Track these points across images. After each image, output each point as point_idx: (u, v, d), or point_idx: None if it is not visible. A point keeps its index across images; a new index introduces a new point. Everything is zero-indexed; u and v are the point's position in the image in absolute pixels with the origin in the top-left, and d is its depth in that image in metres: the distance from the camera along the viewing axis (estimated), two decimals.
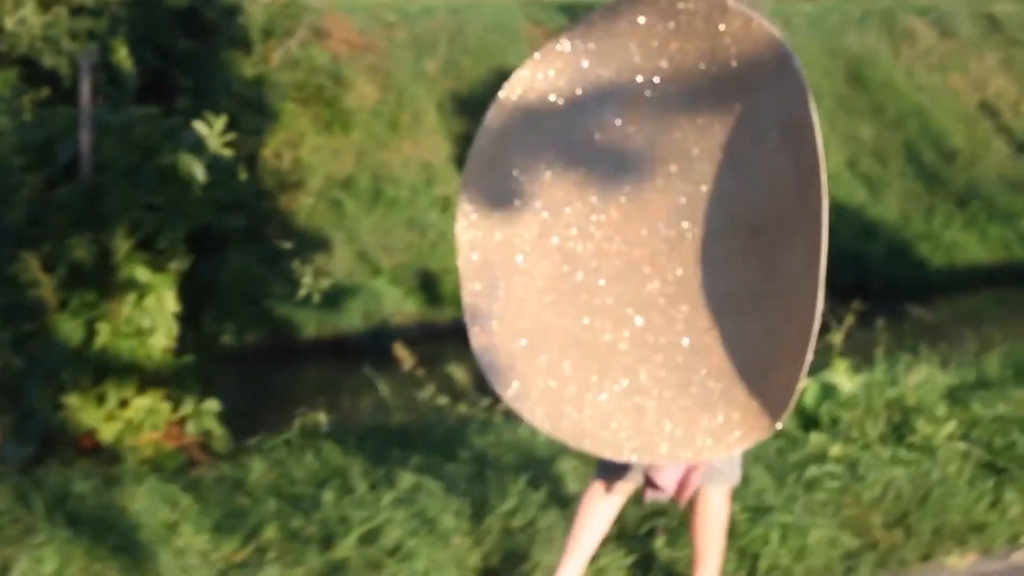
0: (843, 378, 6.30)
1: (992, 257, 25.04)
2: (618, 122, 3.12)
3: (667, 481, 3.70)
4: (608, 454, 3.05)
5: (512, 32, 26.88)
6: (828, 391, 6.20)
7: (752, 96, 2.94)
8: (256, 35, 21.07)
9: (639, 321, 3.05)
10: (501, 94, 3.23)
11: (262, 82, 21.63)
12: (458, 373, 8.13)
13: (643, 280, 3.07)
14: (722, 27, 2.96)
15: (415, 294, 21.84)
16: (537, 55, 3.24)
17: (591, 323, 3.09)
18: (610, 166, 3.15)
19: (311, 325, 20.65)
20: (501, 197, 3.21)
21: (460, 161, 23.64)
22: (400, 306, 21.49)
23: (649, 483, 3.78)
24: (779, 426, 2.88)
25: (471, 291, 3.20)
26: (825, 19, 29.35)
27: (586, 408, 3.05)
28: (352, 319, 20.84)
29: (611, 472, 3.84)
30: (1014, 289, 23.82)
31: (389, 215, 22.88)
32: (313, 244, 21.91)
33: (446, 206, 23.44)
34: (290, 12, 21.67)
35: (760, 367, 2.88)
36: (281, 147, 22.74)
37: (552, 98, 3.20)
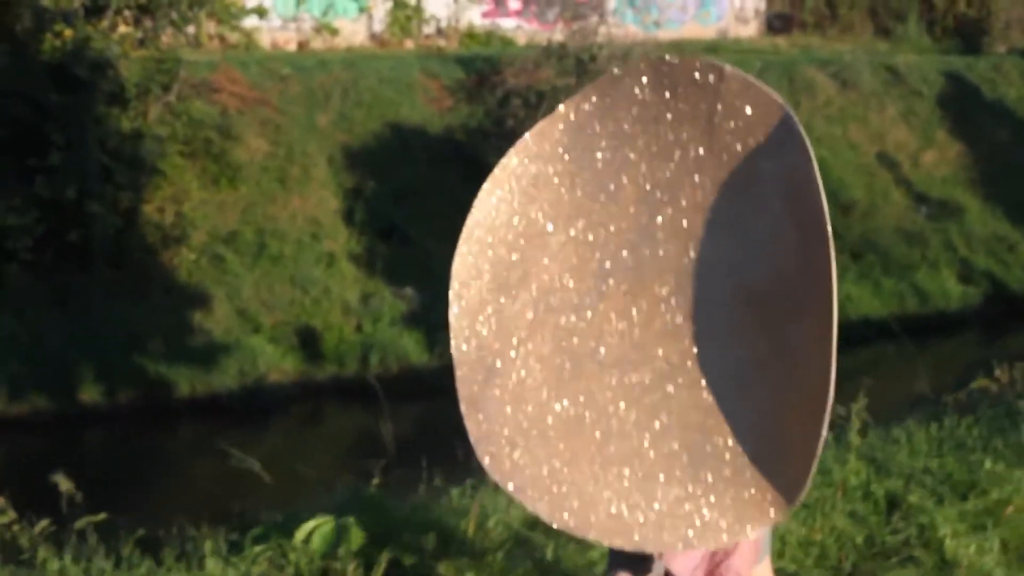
0: None
1: (887, 309, 25.07)
2: (615, 197, 3.07)
3: (682, 569, 3.60)
4: (617, 543, 2.95)
5: (407, 85, 26.84)
6: None
7: (753, 162, 2.87)
8: (131, 90, 20.88)
9: (643, 405, 2.97)
10: (495, 171, 3.23)
11: (140, 136, 21.45)
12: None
13: (645, 359, 3.00)
14: (721, 93, 2.90)
15: (295, 351, 21.68)
16: (534, 130, 3.19)
17: (592, 408, 3.02)
18: (607, 245, 3.08)
19: (185, 383, 20.43)
20: (493, 282, 3.18)
21: (349, 215, 23.61)
22: (279, 363, 21.32)
23: (668, 573, 3.65)
24: (796, 505, 2.79)
25: (465, 379, 3.16)
26: None
27: (590, 496, 2.97)
28: (227, 377, 20.64)
29: (625, 565, 3.68)
30: (908, 342, 23.84)
31: (272, 271, 22.71)
32: (192, 300, 21.74)
33: (331, 262, 23.34)
34: (165, 67, 21.53)
35: (772, 444, 2.80)
36: (165, 202, 22.57)
37: (547, 174, 3.17)
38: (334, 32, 30.18)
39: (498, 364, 3.13)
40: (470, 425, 3.12)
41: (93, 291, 21.00)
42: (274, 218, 23.64)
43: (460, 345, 3.16)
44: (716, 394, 2.89)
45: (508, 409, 3.08)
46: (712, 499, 2.84)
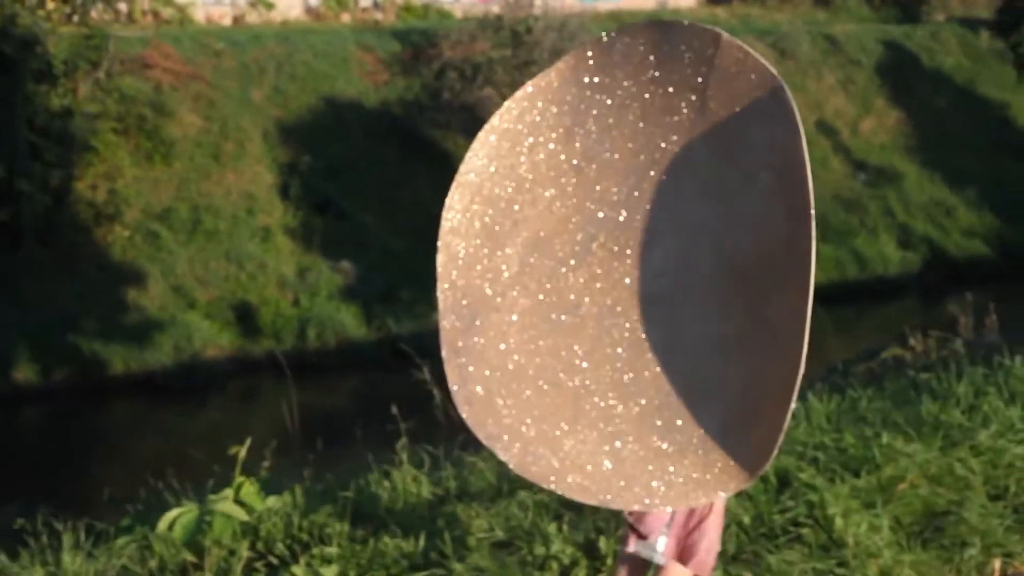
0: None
1: (826, 276, 25.15)
2: (607, 157, 3.01)
3: (651, 528, 3.63)
4: (580, 497, 2.93)
5: (342, 59, 26.70)
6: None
7: (744, 134, 2.84)
8: (59, 67, 20.66)
9: (619, 364, 2.95)
10: (491, 121, 3.09)
11: (69, 114, 21.23)
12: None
13: (625, 322, 2.97)
14: (716, 61, 2.86)
15: (230, 327, 21.55)
16: (528, 86, 3.09)
17: (568, 364, 3.00)
18: (597, 203, 3.04)
19: (119, 361, 20.27)
20: (483, 231, 3.11)
21: (284, 190, 23.45)
22: (214, 339, 21.18)
23: (632, 529, 3.69)
24: (761, 473, 2.79)
25: (448, 325, 3.08)
26: None
27: (560, 450, 2.94)
28: (161, 354, 20.49)
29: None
30: (848, 308, 23.97)
31: (207, 247, 22.56)
32: (126, 278, 21.57)
33: (267, 236, 23.20)
34: (94, 43, 21.31)
35: (743, 415, 2.81)
36: (97, 179, 22.38)
37: (540, 129, 3.10)
38: (269, 6, 29.99)
39: (481, 314, 3.09)
40: (449, 371, 3.06)
41: (24, 270, 20.80)
42: (208, 194, 23.48)
43: (445, 292, 3.09)
44: (693, 362, 2.90)
45: (488, 358, 3.05)
46: (682, 462, 2.86)
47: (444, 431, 6.43)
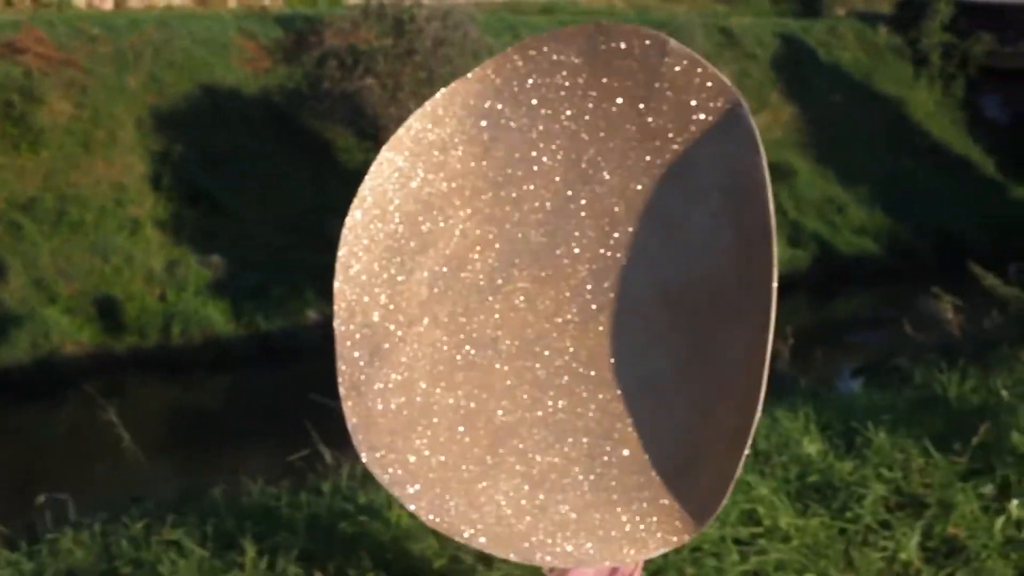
0: None
1: None
2: (531, 173, 2.70)
3: None
4: (498, 552, 2.63)
5: (222, 46, 26.09)
6: None
7: (692, 151, 2.53)
8: None
9: (544, 402, 2.66)
10: (398, 133, 2.72)
11: None
12: None
13: (551, 356, 2.67)
14: (662, 69, 2.51)
15: (93, 323, 20.92)
16: (441, 92, 2.72)
17: (486, 402, 2.69)
18: (518, 223, 2.73)
19: None
20: (387, 253, 2.76)
21: (156, 180, 22.83)
22: (75, 335, 20.54)
23: None
24: (708, 524, 2.49)
25: (347, 360, 2.70)
26: None
27: (477, 500, 2.67)
28: (17, 351, 19.82)
29: None
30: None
31: (72, 239, 21.90)
32: None
33: (136, 228, 22.58)
34: None
35: (686, 461, 2.51)
36: None
37: (453, 142, 2.76)
38: None
39: (385, 345, 2.73)
40: (348, 409, 2.70)
41: None
42: (76, 184, 22.80)
43: (343, 320, 2.69)
44: (628, 399, 2.59)
45: (393, 395, 2.72)
46: (615, 512, 2.59)
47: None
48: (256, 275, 22.14)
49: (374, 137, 24.90)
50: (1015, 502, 4.93)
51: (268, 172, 24.19)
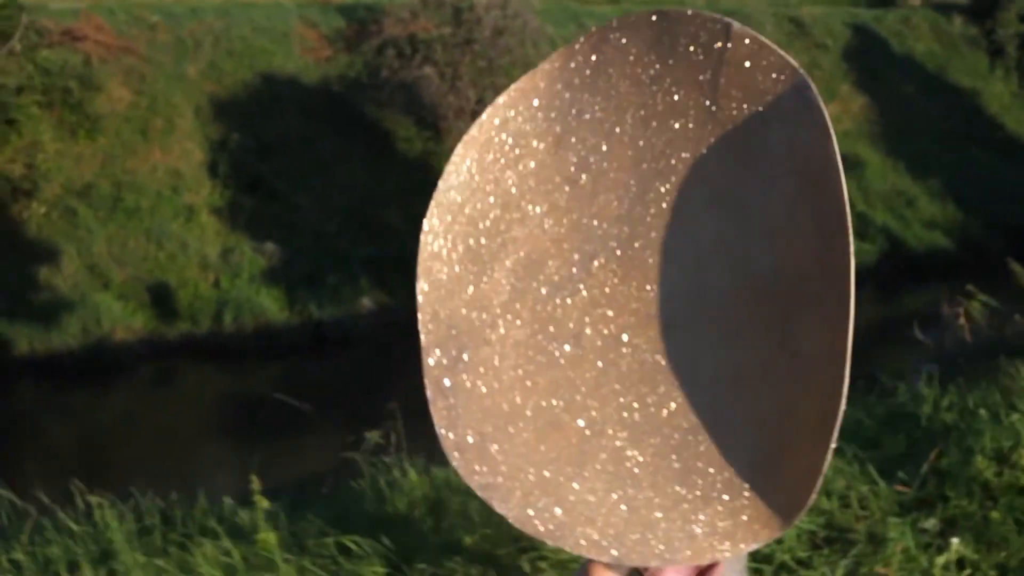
0: None
1: None
2: (604, 167, 2.54)
3: None
4: (591, 554, 2.43)
5: (282, 34, 26.01)
6: None
7: (761, 137, 2.36)
8: None
9: (628, 400, 2.50)
10: (471, 130, 2.57)
11: None
12: None
13: (631, 353, 2.52)
14: (727, 54, 2.39)
15: (145, 308, 20.89)
16: (516, 85, 2.63)
17: (570, 402, 2.55)
18: (594, 219, 2.59)
19: (24, 342, 19.61)
20: (467, 252, 2.67)
21: (213, 168, 22.78)
22: (127, 321, 20.51)
23: None
24: (795, 523, 2.34)
25: (432, 362, 2.62)
26: None
27: (563, 500, 2.49)
28: (68, 335, 19.82)
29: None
30: None
31: (127, 225, 21.90)
32: (39, 256, 20.91)
33: (191, 216, 22.54)
34: (4, 14, 20.62)
35: (773, 456, 2.36)
36: (16, 154, 21.70)
37: (526, 137, 2.65)
38: None
39: (470, 346, 2.62)
40: (435, 412, 2.62)
41: None
42: (133, 171, 22.81)
43: (428, 324, 2.61)
44: (713, 395, 2.45)
45: (479, 399, 2.59)
46: (703, 511, 2.41)
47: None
48: (310, 263, 22.04)
49: (434, 126, 24.74)
50: (955, 540, 4.40)
51: (325, 161, 24.07)
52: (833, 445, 2.12)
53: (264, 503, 4.96)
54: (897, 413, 5.93)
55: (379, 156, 24.53)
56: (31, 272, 20.72)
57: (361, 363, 19.05)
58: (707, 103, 2.38)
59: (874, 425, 5.70)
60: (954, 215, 28.64)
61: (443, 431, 2.60)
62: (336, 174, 23.90)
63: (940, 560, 4.28)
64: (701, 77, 2.38)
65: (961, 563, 4.36)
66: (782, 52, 2.35)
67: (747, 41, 2.39)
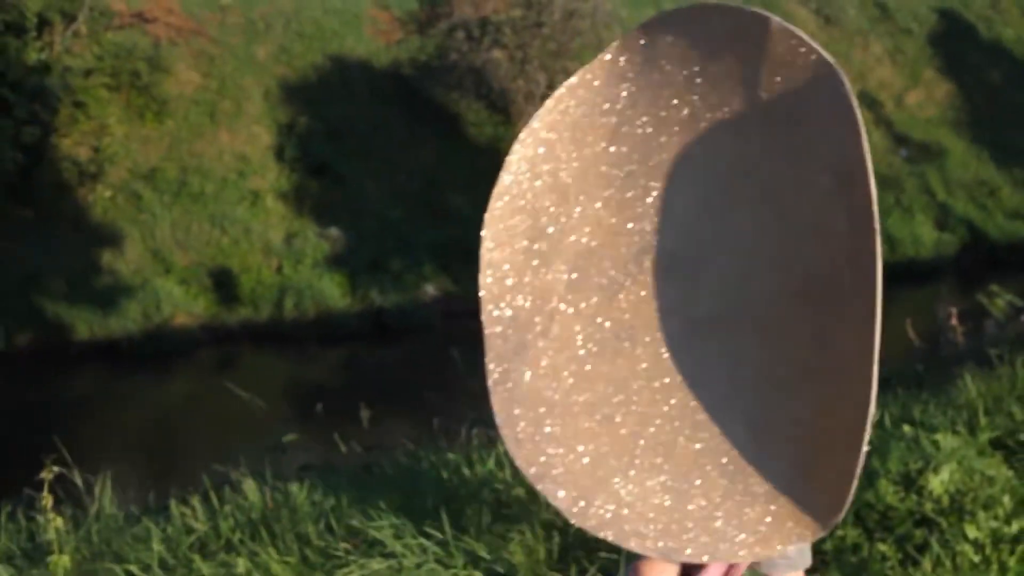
0: None
1: None
2: (659, 161, 2.70)
3: None
4: (634, 547, 2.60)
5: (354, 17, 25.86)
6: None
7: (801, 132, 2.48)
8: (31, 19, 19.98)
9: (678, 396, 2.66)
10: (530, 123, 2.70)
11: (46, 68, 20.56)
12: None
13: (681, 350, 2.67)
14: (766, 49, 2.49)
15: (206, 294, 20.84)
16: (569, 82, 2.71)
17: (626, 397, 2.70)
18: (648, 214, 2.73)
19: (84, 326, 19.62)
20: (527, 248, 2.81)
21: (280, 152, 22.68)
22: (188, 307, 20.49)
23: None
24: (831, 526, 2.45)
25: (494, 354, 2.76)
26: None
27: (618, 495, 2.65)
28: (128, 321, 19.80)
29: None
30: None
31: (192, 209, 21.88)
32: (103, 239, 20.92)
33: (256, 200, 22.48)
34: None
35: (812, 456, 2.48)
36: (83, 136, 21.74)
37: (584, 130, 2.76)
38: None
39: (528, 338, 2.76)
40: (495, 403, 2.68)
41: None
42: (200, 154, 22.78)
43: (492, 313, 2.72)
44: (758, 395, 2.56)
45: (537, 392, 2.74)
46: (745, 511, 2.54)
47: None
48: (374, 249, 21.88)
49: (504, 111, 24.47)
50: None
51: (393, 145, 23.90)
52: (866, 448, 2.27)
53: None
54: None
55: (447, 140, 24.31)
56: (94, 256, 20.74)
57: (421, 352, 18.86)
58: (748, 97, 2.51)
59: None
60: None
61: (501, 422, 2.70)
62: (403, 159, 23.72)
63: None
64: (742, 71, 2.52)
65: None
66: (818, 47, 2.35)
67: (786, 36, 2.44)
